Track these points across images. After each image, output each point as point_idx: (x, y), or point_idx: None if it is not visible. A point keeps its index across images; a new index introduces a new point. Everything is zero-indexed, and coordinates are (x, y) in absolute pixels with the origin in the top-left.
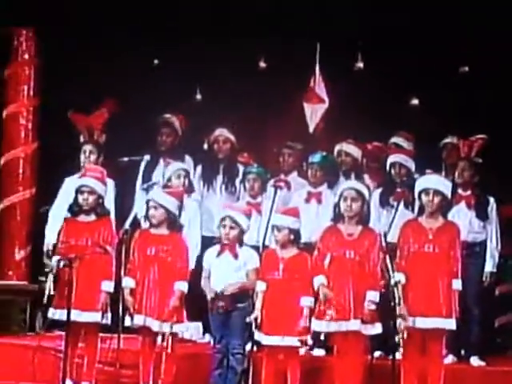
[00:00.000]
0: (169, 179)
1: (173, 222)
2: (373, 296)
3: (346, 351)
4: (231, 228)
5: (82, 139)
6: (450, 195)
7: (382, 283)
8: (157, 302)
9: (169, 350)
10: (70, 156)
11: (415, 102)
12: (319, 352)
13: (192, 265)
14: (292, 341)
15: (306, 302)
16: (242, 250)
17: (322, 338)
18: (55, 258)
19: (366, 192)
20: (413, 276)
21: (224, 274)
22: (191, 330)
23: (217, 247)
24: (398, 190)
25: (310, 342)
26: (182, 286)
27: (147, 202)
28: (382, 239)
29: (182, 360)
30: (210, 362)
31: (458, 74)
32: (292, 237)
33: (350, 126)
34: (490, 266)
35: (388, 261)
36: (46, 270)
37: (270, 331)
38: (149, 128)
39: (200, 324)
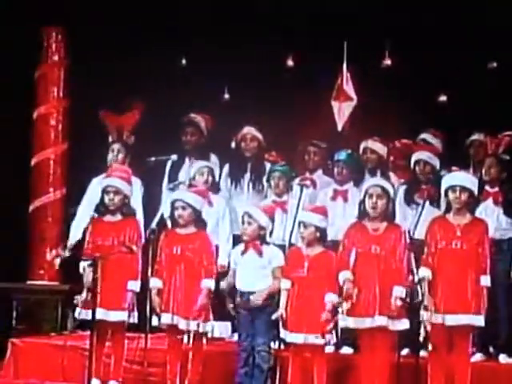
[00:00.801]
0: (193, 177)
1: (199, 220)
2: (399, 291)
3: (373, 348)
4: (249, 224)
5: (110, 139)
6: (476, 192)
7: (409, 279)
8: (184, 300)
9: (195, 348)
10: (100, 156)
11: (443, 98)
12: (347, 350)
13: (225, 261)
14: (316, 339)
15: (331, 298)
16: (267, 248)
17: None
18: (83, 259)
19: (391, 189)
20: (441, 273)
21: (249, 273)
22: (220, 328)
23: (241, 246)
24: (424, 186)
25: (333, 339)
26: (210, 284)
27: (173, 203)
28: (407, 236)
29: (208, 358)
30: (237, 361)
31: (487, 69)
32: (318, 235)
33: (377, 124)
34: None
35: (412, 257)
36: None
37: (295, 329)
38: (176, 128)
39: (229, 323)
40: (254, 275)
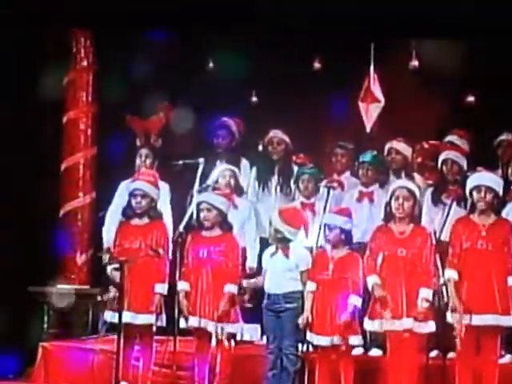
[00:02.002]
0: (216, 181)
1: (224, 223)
2: (426, 293)
3: (401, 350)
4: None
5: (138, 143)
6: (501, 192)
7: (435, 281)
8: (211, 303)
9: (223, 351)
10: (128, 160)
11: (471, 99)
12: (376, 352)
13: (253, 264)
14: (341, 340)
15: (354, 300)
16: (296, 251)
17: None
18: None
19: (417, 191)
20: (466, 273)
21: (277, 275)
22: (250, 331)
23: (272, 248)
24: (451, 187)
25: (356, 341)
26: (232, 289)
27: (198, 205)
28: (433, 238)
29: (237, 361)
30: (265, 364)
31: None
32: (343, 237)
33: (404, 125)
34: None
35: (438, 259)
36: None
37: (321, 331)
38: (205, 131)
39: (258, 325)
40: (281, 277)
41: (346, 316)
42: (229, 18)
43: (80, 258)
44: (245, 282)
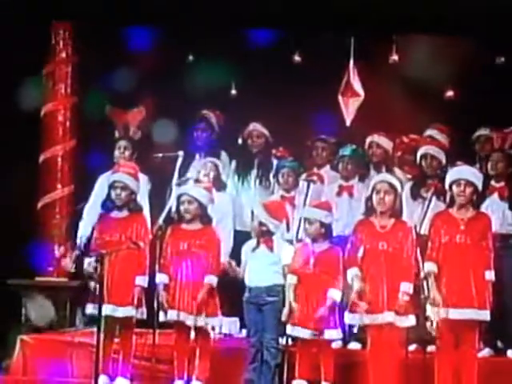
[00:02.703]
0: (197, 173)
1: (205, 216)
2: (407, 287)
3: (381, 344)
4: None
5: (116, 135)
6: (481, 187)
7: (416, 274)
8: (190, 296)
9: (202, 344)
10: (108, 153)
11: (450, 93)
12: (355, 345)
13: (226, 258)
14: (323, 334)
15: (333, 294)
16: (279, 245)
17: (355, 330)
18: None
19: (398, 185)
20: (445, 267)
21: (259, 268)
22: (229, 324)
23: (253, 241)
24: (430, 181)
25: (335, 335)
26: (211, 280)
27: (179, 197)
28: (414, 232)
29: (217, 354)
30: (245, 357)
31: (494, 64)
32: (323, 230)
33: (384, 119)
34: None
35: (419, 253)
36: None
37: (302, 324)
38: (184, 123)
39: (237, 319)
40: (264, 271)
41: (320, 309)
42: (209, 12)
43: (58, 251)
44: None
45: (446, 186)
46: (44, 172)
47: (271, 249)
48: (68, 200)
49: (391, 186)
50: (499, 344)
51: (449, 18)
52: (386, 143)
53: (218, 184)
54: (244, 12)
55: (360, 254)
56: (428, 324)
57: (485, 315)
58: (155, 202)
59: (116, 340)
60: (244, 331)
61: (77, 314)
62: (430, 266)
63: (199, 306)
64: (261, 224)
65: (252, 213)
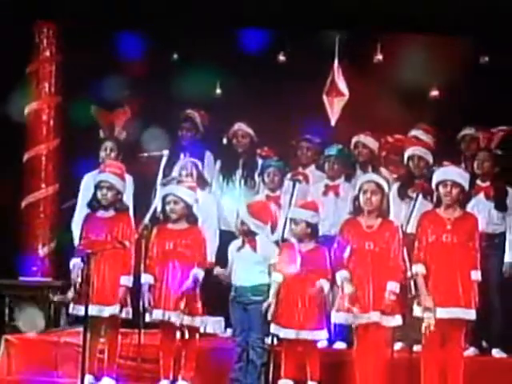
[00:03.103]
0: (179, 173)
1: (191, 216)
2: (393, 286)
3: (367, 344)
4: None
5: (101, 135)
6: (467, 187)
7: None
8: (176, 295)
9: (188, 343)
10: (92, 152)
11: (435, 93)
12: (340, 345)
13: (212, 258)
14: (308, 334)
15: (322, 283)
16: (263, 244)
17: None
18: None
19: (385, 185)
20: (431, 267)
21: (244, 268)
22: (213, 324)
23: (238, 241)
24: (417, 181)
25: (322, 335)
26: (199, 273)
27: (165, 197)
28: (401, 232)
29: (202, 354)
30: (231, 356)
31: (479, 64)
32: (309, 230)
33: (369, 119)
34: (510, 257)
35: (405, 253)
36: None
37: (287, 324)
38: (169, 123)
39: (222, 318)
40: (249, 270)
41: (315, 310)
42: (194, 13)
43: (42, 250)
44: (215, 270)
45: (433, 186)
46: (28, 171)
47: (254, 248)
48: (52, 199)
49: (378, 185)
50: (484, 343)
51: (433, 18)
52: (371, 143)
53: (201, 183)
54: (229, 12)
55: (346, 253)
56: (415, 323)
57: (471, 314)
58: (140, 201)
59: (102, 340)
60: (229, 331)
61: (61, 313)
62: (417, 267)
63: (183, 297)
64: (242, 223)
65: (237, 212)
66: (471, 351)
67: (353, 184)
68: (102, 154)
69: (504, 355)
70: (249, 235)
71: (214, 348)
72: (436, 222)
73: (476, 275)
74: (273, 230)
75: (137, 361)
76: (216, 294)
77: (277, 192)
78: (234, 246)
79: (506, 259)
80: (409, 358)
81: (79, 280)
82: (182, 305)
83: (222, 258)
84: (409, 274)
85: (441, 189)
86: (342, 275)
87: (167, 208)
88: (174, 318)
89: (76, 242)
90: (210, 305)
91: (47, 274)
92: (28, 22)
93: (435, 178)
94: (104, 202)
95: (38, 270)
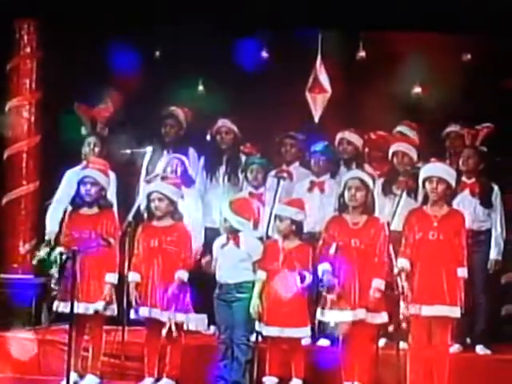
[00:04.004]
0: (164, 170)
1: (176, 212)
2: (379, 283)
3: (352, 340)
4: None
5: (84, 131)
6: (454, 183)
7: (389, 271)
8: (162, 293)
9: (173, 341)
10: (73, 149)
11: (418, 90)
12: (324, 342)
13: (197, 255)
14: (292, 331)
15: (304, 273)
16: (247, 241)
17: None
18: (58, 250)
19: (370, 181)
20: (418, 264)
21: (229, 265)
22: (197, 321)
23: (223, 238)
24: (401, 178)
25: (306, 332)
26: (183, 275)
27: (149, 195)
28: (387, 228)
29: (187, 352)
30: (216, 354)
31: (461, 61)
32: (294, 228)
33: (353, 116)
34: (495, 254)
35: (391, 250)
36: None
37: (271, 322)
38: (151, 120)
39: (205, 316)
40: (234, 268)
41: (298, 307)
42: (177, 9)
43: (23, 248)
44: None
45: (420, 183)
46: (9, 168)
47: (238, 245)
48: (33, 196)
49: (363, 182)
50: (468, 340)
51: (415, 15)
52: (356, 140)
53: (186, 180)
54: (213, 10)
55: (332, 250)
56: (401, 320)
57: (455, 312)
58: (123, 198)
59: (86, 337)
60: (212, 328)
61: (42, 311)
62: (403, 263)
63: (169, 301)
64: (225, 220)
65: (221, 209)
66: (455, 348)
67: (337, 181)
68: (86, 149)
69: (488, 352)
70: (232, 232)
71: (199, 345)
72: (422, 219)
73: (462, 272)
74: (255, 226)
75: (120, 358)
76: (199, 292)
77: (260, 189)
78: (218, 243)
79: (491, 256)
80: (394, 355)
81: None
82: (169, 311)
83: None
84: (396, 270)
85: (427, 185)
86: (322, 267)
87: (152, 205)
88: (160, 315)
89: (47, 231)
90: (193, 302)
91: (28, 272)
92: (8, 19)
93: (422, 175)
94: (87, 198)
95: (18, 267)
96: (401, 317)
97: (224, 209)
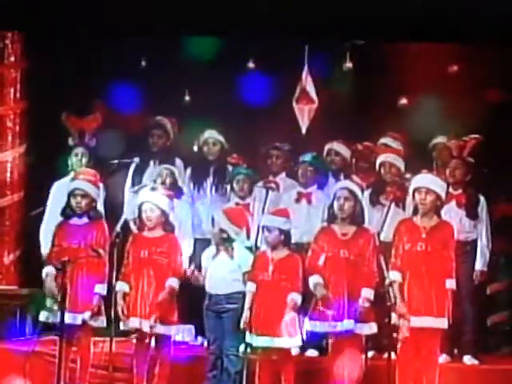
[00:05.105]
0: (154, 181)
1: (166, 223)
2: (368, 293)
3: (341, 351)
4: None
5: (71, 142)
6: (444, 195)
7: (378, 282)
8: (152, 304)
9: (162, 352)
10: (58, 159)
11: (404, 101)
12: (312, 353)
13: (185, 266)
14: (282, 342)
15: (294, 297)
16: (238, 252)
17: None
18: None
19: (359, 192)
20: (406, 275)
21: (220, 276)
22: (184, 332)
23: (213, 249)
24: (389, 189)
25: (296, 342)
26: (174, 283)
27: (141, 205)
28: (376, 239)
29: (176, 363)
30: (205, 365)
31: (447, 72)
32: (282, 237)
33: (339, 127)
34: (480, 265)
35: (382, 260)
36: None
37: (261, 332)
38: (138, 130)
39: (192, 326)
40: (224, 278)
41: (287, 314)
42: (163, 18)
43: (8, 258)
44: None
45: (410, 194)
46: None
47: (231, 256)
48: (18, 207)
49: (351, 192)
50: (455, 350)
51: (402, 26)
52: (344, 151)
53: (175, 191)
54: (197, 18)
55: (321, 261)
56: (389, 331)
57: (443, 323)
58: (110, 208)
59: (74, 348)
60: (200, 339)
61: (27, 322)
62: (394, 275)
63: (158, 308)
64: (221, 231)
65: (212, 219)
66: (443, 358)
67: (325, 192)
68: (74, 160)
69: (475, 362)
70: (225, 242)
71: (188, 356)
72: (411, 230)
73: (451, 284)
74: (248, 235)
75: (108, 369)
76: (186, 302)
77: (246, 200)
78: (208, 253)
79: (477, 267)
80: (382, 365)
81: (55, 291)
82: (154, 316)
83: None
84: (387, 281)
85: (416, 196)
86: (314, 280)
87: (143, 216)
88: (149, 326)
89: (43, 250)
90: (180, 313)
91: (13, 282)
92: None
93: (412, 185)
94: (78, 210)
95: (2, 278)
96: (394, 328)
97: (219, 218)
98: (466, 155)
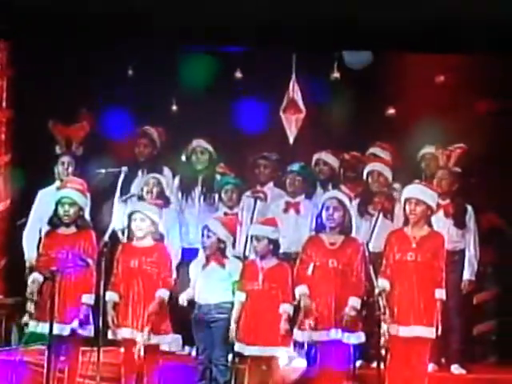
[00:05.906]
0: (141, 189)
1: (157, 233)
2: (355, 302)
3: (329, 361)
4: (208, 237)
5: (58, 150)
6: (435, 205)
7: (367, 291)
8: (141, 314)
9: (151, 361)
10: (45, 168)
11: (392, 111)
12: (300, 363)
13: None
14: (272, 351)
15: (285, 308)
16: (228, 261)
17: (305, 347)
18: (33, 277)
19: (347, 202)
20: (396, 284)
21: (210, 286)
22: (171, 342)
23: (202, 259)
24: (377, 199)
25: (287, 352)
26: (164, 294)
27: (130, 214)
28: (365, 248)
29: (165, 372)
30: (193, 374)
31: (435, 82)
32: (271, 247)
33: (327, 137)
34: (468, 275)
35: (371, 270)
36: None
37: (251, 342)
38: (125, 139)
39: (179, 336)
40: (214, 288)
41: (282, 325)
42: (152, 28)
43: None
44: (180, 299)
45: (402, 204)
46: None
47: (223, 265)
48: (3, 216)
49: (340, 202)
50: (443, 360)
51: (389, 36)
52: (332, 161)
53: (163, 200)
54: (185, 27)
55: (309, 271)
56: (378, 340)
57: (431, 333)
58: (98, 218)
59: (61, 358)
60: (187, 348)
61: (12, 331)
62: (383, 283)
63: (150, 319)
64: (219, 241)
65: (206, 229)
66: (431, 367)
67: (313, 202)
68: (60, 168)
69: (463, 371)
70: (218, 252)
71: (176, 366)
72: (402, 240)
73: (440, 294)
74: (233, 245)
75: (95, 379)
76: (173, 312)
77: (234, 209)
78: (196, 263)
79: (465, 276)
80: (370, 374)
81: (36, 296)
82: (147, 329)
83: (182, 276)
84: (376, 290)
85: (407, 206)
86: (300, 290)
87: (133, 225)
88: (139, 336)
89: (27, 256)
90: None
91: None
92: None
93: (403, 196)
94: (66, 218)
95: None
96: (382, 337)
97: (216, 228)
98: (452, 165)
